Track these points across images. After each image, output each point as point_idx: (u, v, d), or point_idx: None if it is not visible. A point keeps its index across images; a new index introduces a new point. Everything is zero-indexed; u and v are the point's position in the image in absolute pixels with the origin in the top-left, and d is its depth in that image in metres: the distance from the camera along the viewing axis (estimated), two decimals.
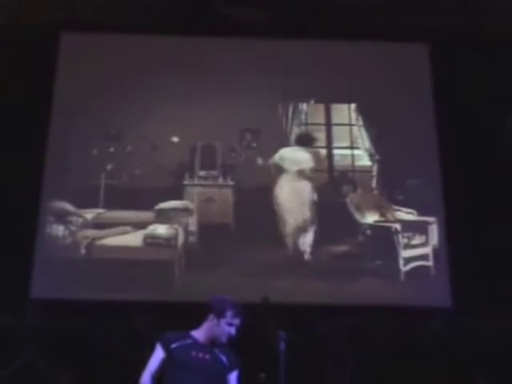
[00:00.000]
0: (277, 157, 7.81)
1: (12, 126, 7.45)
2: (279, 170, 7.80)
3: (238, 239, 7.43)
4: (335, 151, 7.98)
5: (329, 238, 7.56)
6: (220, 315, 4.08)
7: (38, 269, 7.11)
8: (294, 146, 7.94)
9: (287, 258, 7.39)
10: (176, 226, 7.42)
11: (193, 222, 7.48)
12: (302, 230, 7.58)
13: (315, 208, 7.65)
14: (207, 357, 4.07)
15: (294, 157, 7.87)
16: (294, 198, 7.70)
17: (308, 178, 7.80)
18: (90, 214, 7.45)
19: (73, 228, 7.40)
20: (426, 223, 7.56)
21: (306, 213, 7.64)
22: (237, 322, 4.12)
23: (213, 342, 4.11)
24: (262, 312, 5.78)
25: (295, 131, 8.00)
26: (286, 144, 7.92)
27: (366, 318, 6.87)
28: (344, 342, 6.76)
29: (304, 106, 8.09)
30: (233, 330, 4.10)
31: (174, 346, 4.06)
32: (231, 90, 7.88)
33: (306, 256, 7.45)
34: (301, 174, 7.80)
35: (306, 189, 7.75)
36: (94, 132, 7.76)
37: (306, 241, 7.52)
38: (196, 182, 7.71)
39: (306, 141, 7.97)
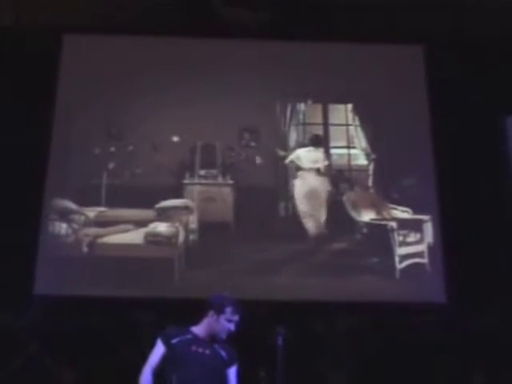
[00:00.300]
0: (293, 156, 7.95)
1: (15, 126, 7.51)
2: (296, 168, 7.94)
3: (238, 237, 7.51)
4: (332, 151, 8.07)
5: (326, 236, 7.68)
6: (219, 312, 4.16)
7: (41, 266, 7.17)
8: (307, 146, 8.05)
9: (285, 255, 7.47)
10: (176, 224, 7.48)
11: (193, 221, 7.54)
12: (317, 224, 7.74)
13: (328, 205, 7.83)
14: (207, 352, 4.14)
15: (309, 156, 7.99)
16: (312, 195, 7.83)
17: (324, 176, 7.95)
18: (92, 213, 7.51)
19: (75, 226, 7.46)
20: (421, 221, 7.63)
21: (324, 209, 7.80)
22: (236, 318, 4.19)
23: (212, 338, 4.19)
24: (260, 309, 5.89)
25: (293, 131, 8.10)
26: (284, 143, 8.02)
27: (362, 315, 6.93)
28: (340, 339, 6.85)
29: (302, 106, 8.17)
30: (232, 327, 4.18)
31: (174, 341, 4.14)
32: (230, 90, 7.90)
33: (306, 253, 7.56)
34: (317, 172, 7.94)
35: (323, 185, 7.90)
36: (95, 132, 7.82)
37: (320, 236, 7.69)
38: (196, 180, 7.76)
39: (318, 141, 8.07)
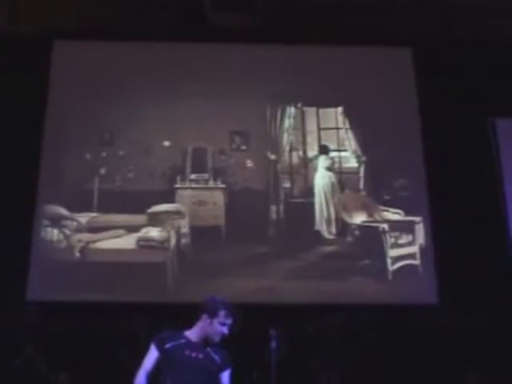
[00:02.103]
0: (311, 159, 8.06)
1: (6, 132, 7.51)
2: (314, 170, 8.03)
3: (229, 241, 7.52)
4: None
5: (318, 238, 7.71)
6: (213, 315, 4.15)
7: (34, 272, 7.17)
8: (311, 152, 8.12)
9: (277, 258, 7.49)
10: (168, 228, 7.49)
11: (185, 225, 7.54)
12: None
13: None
14: (200, 356, 4.13)
15: (322, 159, 8.05)
16: (323, 194, 7.90)
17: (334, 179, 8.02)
18: (83, 218, 7.51)
19: (67, 232, 7.45)
20: (413, 223, 7.66)
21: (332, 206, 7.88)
22: (229, 321, 4.18)
23: (206, 342, 4.17)
24: (253, 312, 5.89)
25: (284, 134, 8.10)
26: (275, 147, 8.04)
27: (355, 317, 6.92)
28: (333, 340, 6.85)
29: (292, 110, 8.17)
30: (225, 330, 4.17)
31: (168, 345, 4.12)
32: (221, 93, 7.91)
33: (298, 256, 7.58)
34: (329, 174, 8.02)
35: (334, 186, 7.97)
36: (87, 137, 7.83)
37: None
38: (187, 185, 7.77)
39: (326, 149, 8.10)
